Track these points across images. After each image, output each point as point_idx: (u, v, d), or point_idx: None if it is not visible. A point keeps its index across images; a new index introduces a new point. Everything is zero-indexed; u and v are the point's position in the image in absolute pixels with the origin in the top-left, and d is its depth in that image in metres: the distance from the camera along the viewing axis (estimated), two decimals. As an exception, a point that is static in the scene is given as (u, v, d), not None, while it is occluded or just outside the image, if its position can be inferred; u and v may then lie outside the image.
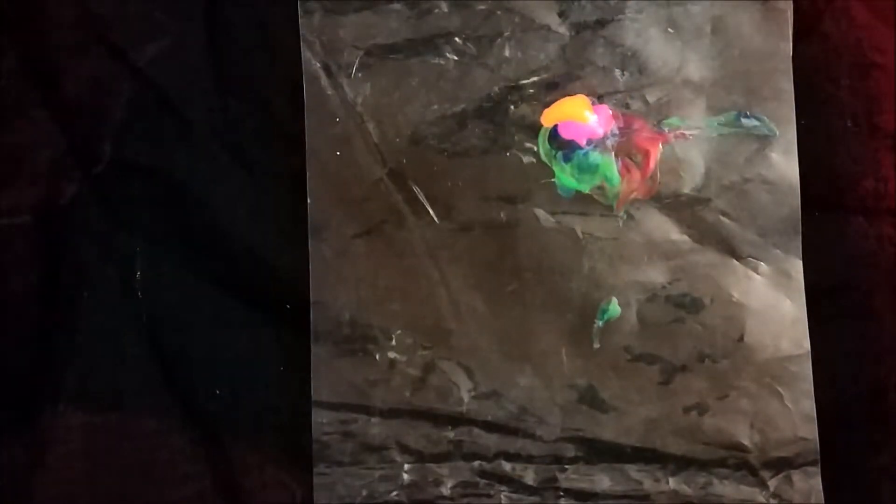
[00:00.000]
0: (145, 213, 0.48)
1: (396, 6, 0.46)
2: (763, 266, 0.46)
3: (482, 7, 0.46)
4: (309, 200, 0.45)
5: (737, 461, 0.45)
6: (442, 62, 0.46)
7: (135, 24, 0.48)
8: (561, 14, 0.47)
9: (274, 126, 0.47)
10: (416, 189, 0.46)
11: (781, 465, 0.45)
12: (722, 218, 0.46)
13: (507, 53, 0.46)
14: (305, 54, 0.46)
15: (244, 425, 0.46)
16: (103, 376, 0.47)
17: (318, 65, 0.46)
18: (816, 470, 0.45)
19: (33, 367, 0.47)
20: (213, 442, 0.47)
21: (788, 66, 0.47)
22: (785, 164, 0.46)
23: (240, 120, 0.48)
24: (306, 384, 0.45)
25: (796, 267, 0.46)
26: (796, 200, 0.46)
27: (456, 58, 0.46)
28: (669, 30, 0.47)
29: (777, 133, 0.46)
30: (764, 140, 0.46)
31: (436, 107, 0.46)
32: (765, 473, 0.45)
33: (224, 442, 0.47)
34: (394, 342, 0.45)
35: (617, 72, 0.47)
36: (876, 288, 0.47)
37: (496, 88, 0.46)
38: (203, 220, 0.47)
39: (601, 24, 0.47)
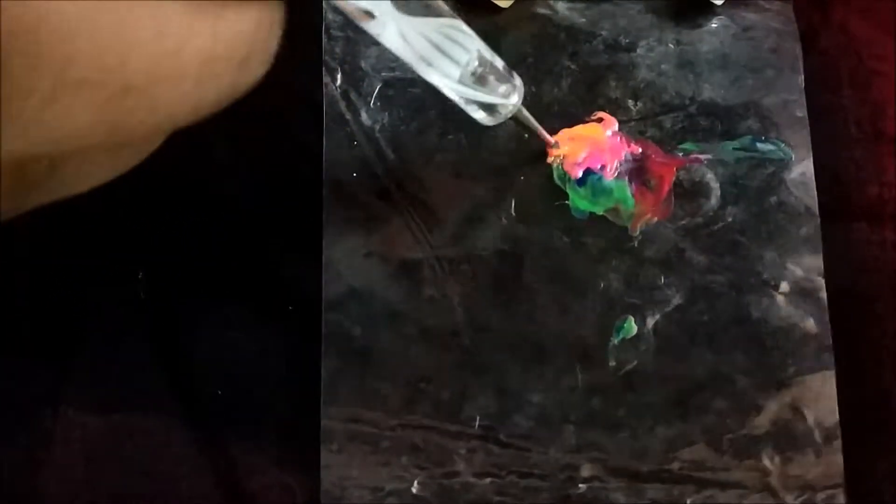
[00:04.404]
0: (147, 213, 0.49)
1: (417, 43, 0.49)
2: (784, 285, 0.45)
3: (495, 49, 0.48)
4: (324, 218, 0.47)
5: (757, 482, 0.44)
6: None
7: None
8: (572, 55, 0.49)
9: (282, 129, 0.49)
10: (429, 211, 0.47)
11: (804, 488, 0.43)
12: (740, 238, 0.46)
13: None
14: (326, 79, 0.48)
15: (246, 427, 0.47)
16: (105, 377, 0.47)
17: (339, 92, 0.48)
18: (840, 492, 0.43)
19: (34, 367, 0.47)
20: (215, 444, 0.47)
21: (801, 95, 0.48)
22: (803, 187, 0.46)
23: (247, 121, 0.49)
24: (309, 385, 0.45)
25: (819, 285, 0.45)
26: (816, 221, 0.46)
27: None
28: (680, 66, 0.48)
29: (793, 157, 0.47)
30: (780, 164, 0.47)
31: (451, 136, 0.48)
32: (787, 496, 0.43)
33: (226, 444, 0.46)
34: (406, 358, 0.45)
35: (630, 102, 0.48)
36: (879, 294, 0.46)
37: (510, 120, 0.47)
38: (205, 221, 0.48)
39: (612, 61, 0.48)
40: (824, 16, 0.50)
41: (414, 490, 0.44)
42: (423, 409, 0.45)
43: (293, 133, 0.49)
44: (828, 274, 0.46)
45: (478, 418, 0.45)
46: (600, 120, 0.47)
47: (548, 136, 0.45)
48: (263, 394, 0.47)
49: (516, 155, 0.47)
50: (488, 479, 0.44)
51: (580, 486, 0.44)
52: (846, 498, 0.43)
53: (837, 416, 0.44)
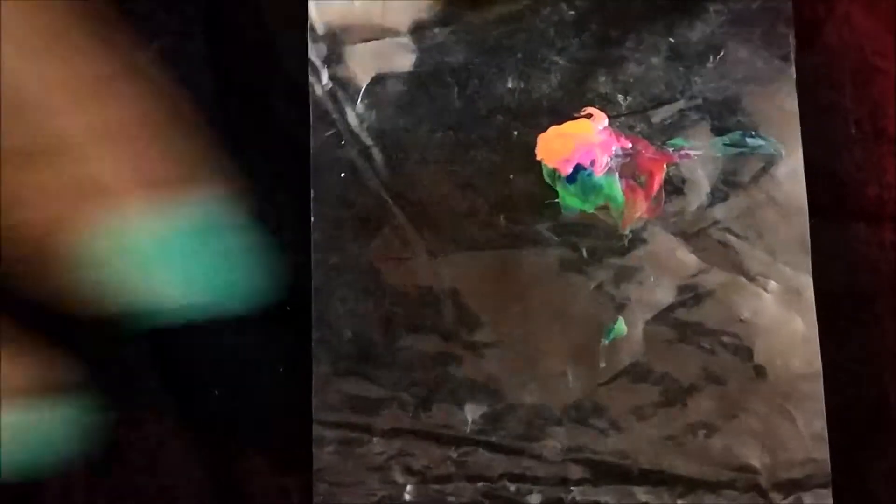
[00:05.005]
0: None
1: (403, 39, 0.48)
2: (773, 284, 0.45)
3: (484, 44, 0.48)
4: (313, 219, 0.46)
5: (746, 483, 0.44)
6: (446, 93, 0.47)
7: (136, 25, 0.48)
8: (560, 51, 0.48)
9: (274, 128, 0.48)
10: (419, 211, 0.47)
11: (792, 488, 0.44)
12: (729, 237, 0.46)
13: (509, 85, 0.47)
14: (311, 78, 0.47)
15: (244, 428, 0.46)
16: (101, 377, 0.47)
17: (325, 90, 0.47)
18: (828, 492, 0.44)
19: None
20: (211, 445, 0.46)
21: (792, 88, 0.47)
22: (792, 183, 0.46)
23: (239, 121, 0.48)
24: (306, 387, 0.45)
25: (807, 284, 0.45)
26: (804, 219, 0.46)
27: (459, 90, 0.47)
28: (670, 59, 0.47)
29: (783, 153, 0.46)
30: (770, 159, 0.46)
31: (440, 134, 0.47)
32: (775, 496, 0.44)
33: (223, 445, 0.46)
34: (397, 361, 0.45)
35: (619, 97, 0.47)
36: (878, 294, 0.46)
37: (499, 117, 0.47)
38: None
39: (602, 55, 0.48)
40: (828, 7, 0.48)
41: (406, 497, 0.45)
42: (414, 416, 0.45)
43: (282, 133, 0.48)
44: (826, 275, 0.45)
45: (469, 422, 0.45)
46: (590, 116, 0.47)
47: None
48: (262, 395, 0.47)
49: (507, 153, 0.47)
50: (480, 484, 0.45)
51: (572, 489, 0.44)
52: (844, 497, 0.44)
53: (825, 417, 0.44)
